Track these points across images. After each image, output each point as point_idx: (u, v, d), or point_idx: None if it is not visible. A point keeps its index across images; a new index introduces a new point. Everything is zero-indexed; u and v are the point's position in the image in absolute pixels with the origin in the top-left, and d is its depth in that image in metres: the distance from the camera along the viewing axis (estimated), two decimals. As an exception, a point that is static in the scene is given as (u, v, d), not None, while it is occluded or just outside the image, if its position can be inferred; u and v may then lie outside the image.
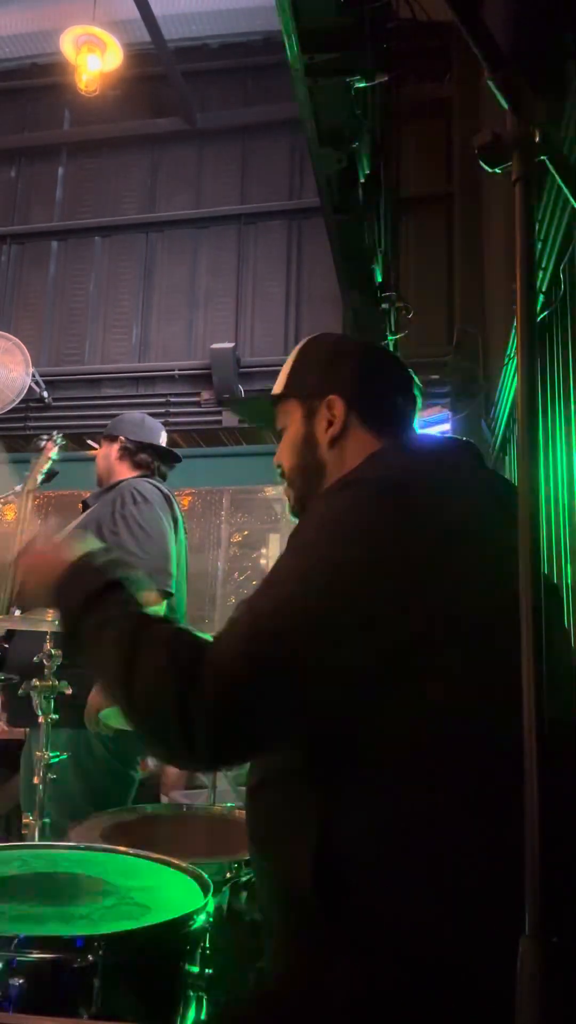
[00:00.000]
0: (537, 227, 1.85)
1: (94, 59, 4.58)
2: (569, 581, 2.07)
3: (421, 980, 0.73)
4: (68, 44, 4.57)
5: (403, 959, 0.74)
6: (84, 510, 2.56)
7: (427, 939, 0.74)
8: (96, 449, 2.67)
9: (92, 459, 2.76)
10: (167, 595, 2.31)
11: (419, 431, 1.17)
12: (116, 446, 2.54)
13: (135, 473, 2.51)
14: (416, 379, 1.17)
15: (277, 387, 1.17)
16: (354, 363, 1.13)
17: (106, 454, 2.55)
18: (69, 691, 1.83)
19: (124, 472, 2.51)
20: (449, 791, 0.77)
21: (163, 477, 2.60)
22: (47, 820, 1.66)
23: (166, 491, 2.51)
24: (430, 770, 0.77)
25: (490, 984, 0.66)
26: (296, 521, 1.14)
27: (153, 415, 5.51)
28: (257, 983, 0.92)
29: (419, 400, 1.16)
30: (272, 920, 0.89)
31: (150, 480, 2.50)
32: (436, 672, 0.79)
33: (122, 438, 2.54)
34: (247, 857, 1.31)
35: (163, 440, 2.65)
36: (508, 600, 0.82)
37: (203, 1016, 0.90)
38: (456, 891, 0.75)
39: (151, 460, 2.56)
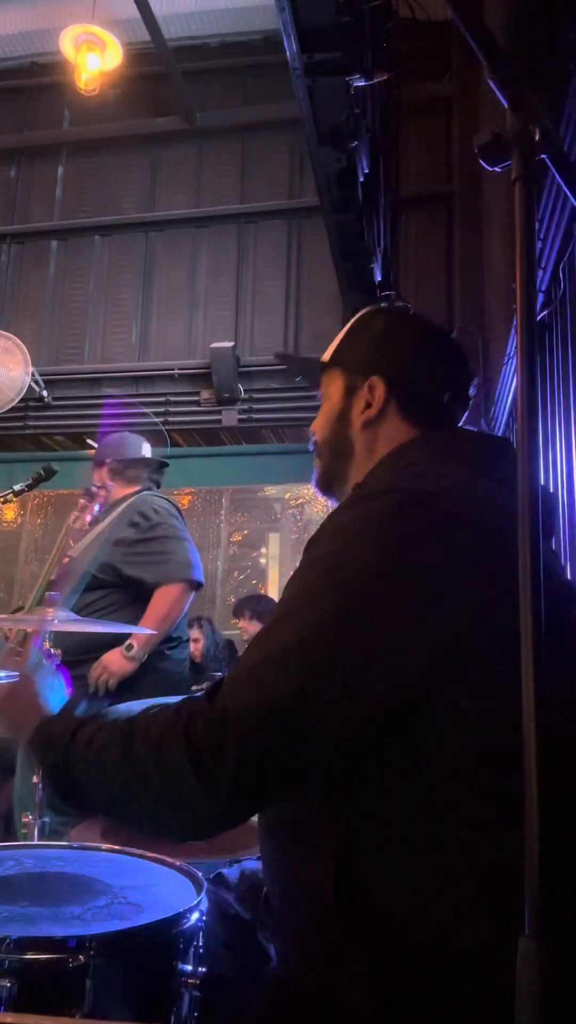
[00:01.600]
0: (537, 226, 1.85)
1: (94, 58, 4.57)
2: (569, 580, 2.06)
3: (439, 984, 0.73)
4: (68, 43, 4.56)
5: (421, 963, 0.74)
6: (91, 524, 2.79)
7: (445, 945, 0.74)
8: (95, 448, 2.83)
9: (92, 458, 2.86)
10: (199, 585, 2.64)
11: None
12: (105, 469, 2.81)
13: (132, 488, 2.77)
14: (474, 378, 1.10)
15: (326, 354, 1.12)
16: (407, 347, 1.07)
17: (99, 479, 2.80)
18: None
19: (120, 490, 2.77)
20: (472, 800, 0.76)
21: (157, 485, 2.87)
22: (46, 819, 1.67)
23: (171, 500, 2.81)
24: (453, 779, 0.76)
25: (510, 991, 0.66)
26: (319, 494, 1.13)
27: (153, 414, 5.52)
28: (268, 982, 0.91)
29: (470, 400, 1.09)
30: (286, 920, 0.88)
31: (154, 493, 2.80)
32: (458, 690, 0.77)
33: (108, 461, 2.81)
34: (246, 857, 1.31)
35: (146, 451, 2.90)
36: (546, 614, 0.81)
37: (198, 1015, 0.90)
38: (478, 899, 0.74)
39: (141, 472, 2.82)
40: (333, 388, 1.09)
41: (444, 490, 0.88)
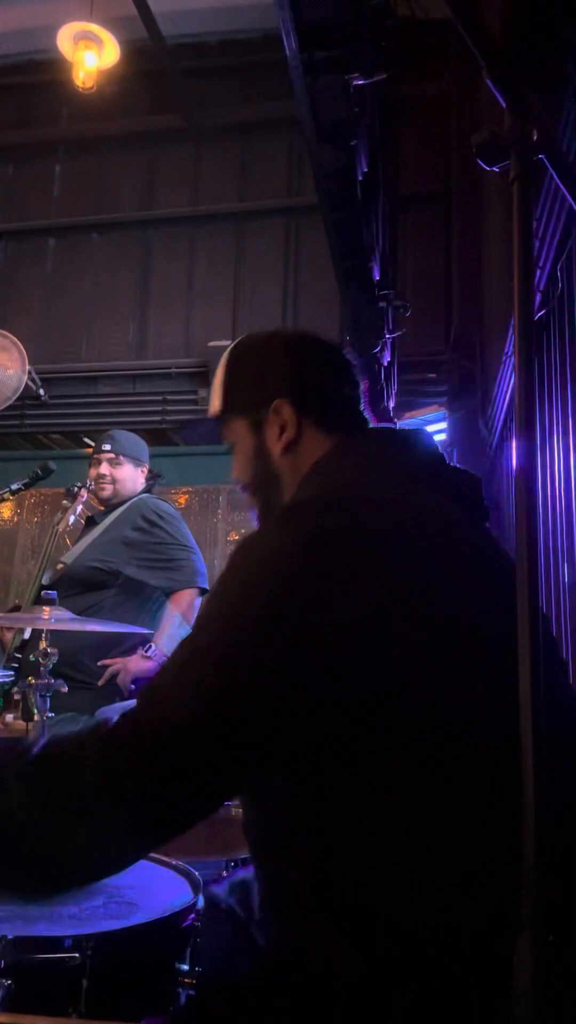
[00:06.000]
0: (535, 225, 1.85)
1: (91, 56, 4.56)
2: (566, 579, 2.07)
3: (425, 981, 0.73)
4: (65, 41, 4.55)
5: (399, 954, 0.75)
6: (87, 524, 2.84)
7: (431, 943, 0.74)
8: (91, 447, 2.84)
9: (88, 456, 2.86)
10: (205, 591, 2.72)
11: (373, 424, 1.12)
12: (142, 472, 2.86)
13: (136, 490, 2.83)
14: (351, 362, 1.12)
15: (215, 406, 1.11)
16: (290, 359, 1.07)
17: (133, 477, 2.83)
18: (65, 689, 1.87)
19: (125, 492, 2.81)
20: (442, 798, 0.76)
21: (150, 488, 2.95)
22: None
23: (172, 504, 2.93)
24: (419, 779, 0.76)
25: (485, 977, 0.66)
26: None
27: (150, 412, 5.53)
28: (255, 968, 0.91)
29: (361, 384, 1.11)
30: (272, 921, 0.89)
31: (156, 496, 2.87)
32: (403, 687, 0.76)
33: (146, 467, 2.88)
34: (243, 856, 1.31)
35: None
36: (473, 603, 0.81)
37: (195, 1012, 0.90)
38: (452, 894, 0.75)
39: (151, 480, 2.93)
40: (239, 433, 1.08)
41: (355, 495, 0.87)
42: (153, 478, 2.91)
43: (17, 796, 0.76)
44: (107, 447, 2.78)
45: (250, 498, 1.10)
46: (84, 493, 2.76)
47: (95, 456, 2.81)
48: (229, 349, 1.12)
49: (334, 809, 0.78)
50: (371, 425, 1.09)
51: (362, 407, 1.09)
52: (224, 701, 0.75)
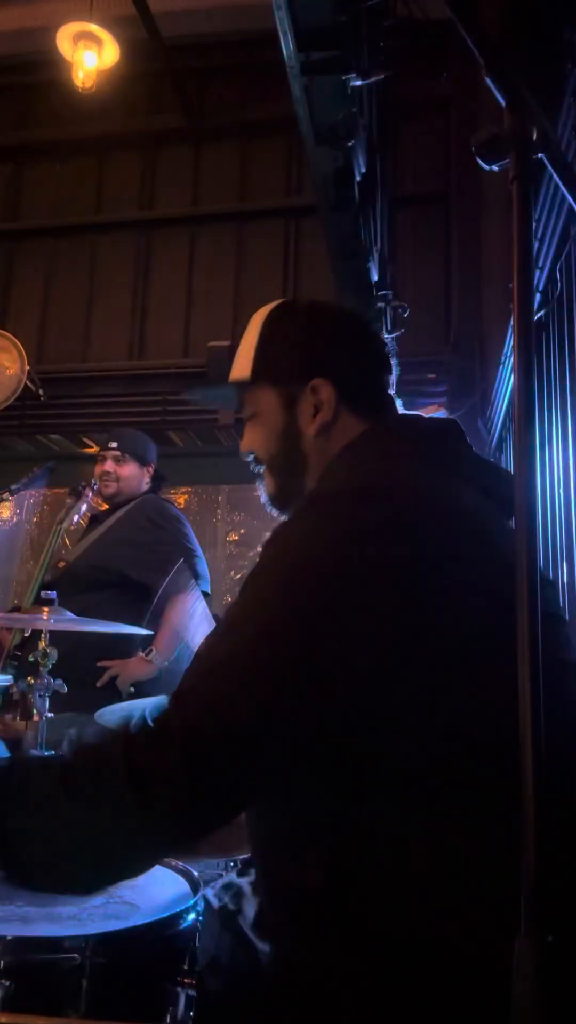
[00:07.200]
0: (534, 226, 1.85)
1: (91, 56, 4.55)
2: (565, 579, 2.07)
3: (435, 986, 0.73)
4: (65, 40, 4.54)
5: (416, 966, 0.73)
6: (91, 523, 2.85)
7: (440, 947, 0.73)
8: (91, 448, 2.86)
9: (88, 457, 2.87)
10: (206, 595, 2.71)
11: (402, 411, 1.09)
12: (148, 471, 2.85)
13: (141, 490, 2.83)
14: (388, 346, 1.11)
15: (241, 371, 1.03)
16: (337, 339, 1.02)
17: (139, 476, 2.83)
18: (64, 690, 1.87)
19: (130, 491, 2.81)
20: (459, 804, 0.75)
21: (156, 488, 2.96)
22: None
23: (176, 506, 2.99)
24: (437, 784, 0.75)
25: (499, 991, 0.65)
26: (276, 512, 1.06)
27: (149, 413, 5.53)
28: (260, 980, 0.90)
29: (393, 368, 1.10)
30: (280, 925, 0.88)
31: (160, 497, 2.89)
32: (422, 690, 0.75)
33: (152, 467, 2.88)
34: (242, 856, 1.31)
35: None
36: (503, 603, 0.80)
37: (195, 1014, 0.90)
38: (471, 901, 0.74)
39: (157, 481, 2.94)
40: (265, 403, 1.01)
41: (394, 486, 0.85)
42: (159, 479, 2.90)
43: (53, 806, 0.75)
44: (113, 444, 2.78)
45: (268, 473, 1.04)
46: (89, 492, 2.77)
47: (101, 452, 2.82)
48: (266, 312, 1.05)
49: (350, 816, 0.77)
50: (400, 412, 1.06)
51: (392, 391, 1.07)
52: (259, 705, 0.73)
